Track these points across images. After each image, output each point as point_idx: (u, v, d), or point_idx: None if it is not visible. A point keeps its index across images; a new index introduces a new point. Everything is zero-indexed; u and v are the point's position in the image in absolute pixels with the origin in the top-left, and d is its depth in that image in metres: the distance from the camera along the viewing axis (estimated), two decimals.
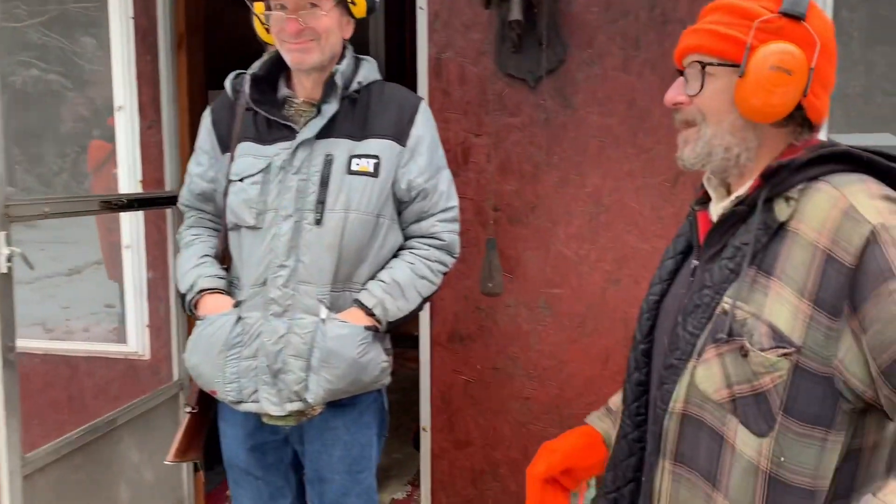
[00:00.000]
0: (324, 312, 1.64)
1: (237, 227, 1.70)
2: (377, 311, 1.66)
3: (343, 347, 1.62)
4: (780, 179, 1.03)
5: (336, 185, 1.65)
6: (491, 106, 2.37)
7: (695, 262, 1.15)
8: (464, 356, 2.47)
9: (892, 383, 0.91)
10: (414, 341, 2.47)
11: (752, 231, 1.03)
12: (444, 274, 1.80)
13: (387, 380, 1.77)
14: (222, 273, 1.75)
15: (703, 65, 1.06)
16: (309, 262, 1.64)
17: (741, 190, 1.10)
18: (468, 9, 2.37)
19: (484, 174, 2.40)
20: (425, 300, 1.76)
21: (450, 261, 1.80)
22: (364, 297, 1.67)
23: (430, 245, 1.76)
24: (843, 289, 0.93)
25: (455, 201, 1.81)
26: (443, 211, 1.78)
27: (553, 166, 2.36)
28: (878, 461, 0.99)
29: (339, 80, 1.66)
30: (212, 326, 1.66)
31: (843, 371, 0.94)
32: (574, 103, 2.33)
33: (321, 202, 1.64)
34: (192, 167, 1.82)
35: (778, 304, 0.98)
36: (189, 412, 1.80)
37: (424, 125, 1.75)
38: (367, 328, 1.65)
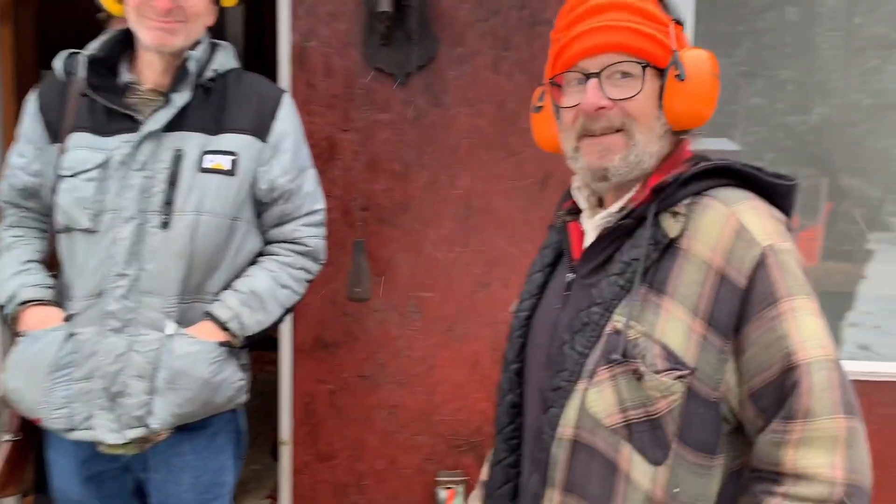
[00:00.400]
0: (170, 328, 1.46)
1: (69, 229, 1.48)
2: (232, 326, 1.51)
3: (193, 366, 1.45)
4: (668, 193, 1.00)
5: (187, 184, 1.48)
6: (359, 101, 2.25)
7: (570, 276, 1.10)
8: (329, 364, 2.34)
9: (758, 406, 0.91)
10: (274, 343, 2.30)
11: (643, 246, 0.99)
12: (309, 282, 1.67)
13: (243, 398, 1.61)
14: (50, 282, 1.53)
15: (644, 66, 1.00)
16: (154, 271, 1.45)
17: (621, 202, 1.06)
18: None
19: (351, 172, 2.28)
20: (287, 311, 1.62)
21: (315, 268, 1.67)
22: (218, 310, 1.51)
23: (293, 251, 1.63)
24: (735, 310, 0.91)
25: (322, 203, 1.69)
26: (308, 214, 1.64)
27: (423, 166, 2.28)
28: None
29: (192, 66, 1.49)
30: (37, 344, 1.44)
31: (728, 392, 0.92)
32: (445, 102, 2.26)
33: (168, 203, 1.47)
34: (14, 159, 1.58)
35: (671, 324, 0.94)
36: (8, 441, 1.56)
37: (288, 120, 1.61)
38: (221, 344, 1.49)
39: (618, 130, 1.02)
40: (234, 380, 1.53)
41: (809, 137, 2.96)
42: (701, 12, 2.38)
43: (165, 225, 1.46)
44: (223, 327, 1.50)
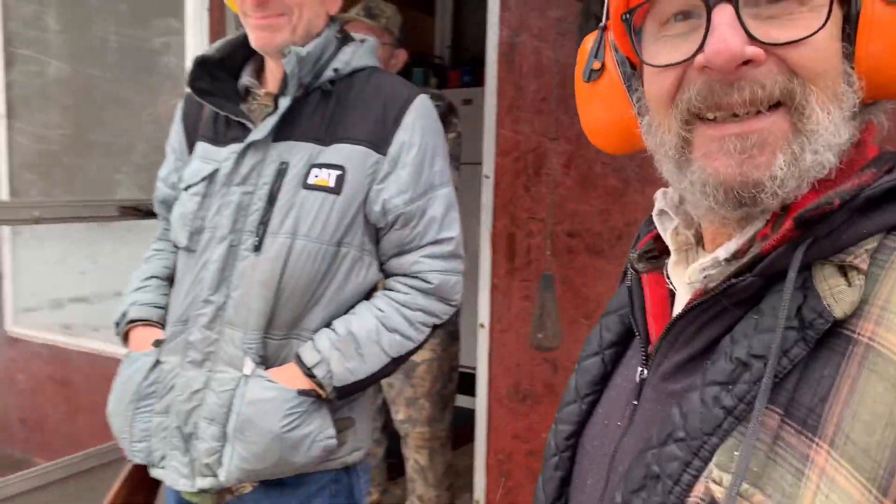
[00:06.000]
0: (248, 366, 1.25)
1: (177, 247, 1.38)
2: (318, 372, 1.25)
3: (262, 416, 1.22)
4: (831, 228, 0.51)
5: (285, 202, 1.26)
6: (572, 103, 1.84)
7: (642, 372, 0.62)
8: (527, 420, 1.97)
9: None
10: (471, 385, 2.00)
11: (775, 331, 0.50)
12: (432, 327, 1.34)
13: (350, 458, 1.35)
14: (163, 301, 1.44)
15: None
16: (237, 300, 1.27)
17: (737, 240, 0.58)
18: None
19: (559, 189, 1.87)
20: (397, 361, 1.32)
21: (441, 310, 1.34)
22: (305, 352, 1.26)
23: (411, 287, 1.32)
24: None
25: (454, 232, 1.34)
26: (433, 243, 1.32)
27: (648, 182, 1.77)
28: None
29: (291, 65, 1.27)
30: (128, 368, 1.35)
31: None
32: None
33: (264, 223, 1.27)
34: (161, 169, 1.54)
35: (830, 500, 0.45)
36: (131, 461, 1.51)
37: (415, 128, 1.31)
38: (302, 393, 1.25)
39: (775, 105, 0.53)
40: (320, 437, 1.27)
41: None
42: None
43: (257, 248, 1.26)
44: (308, 373, 1.25)
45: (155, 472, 1.32)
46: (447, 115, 2.25)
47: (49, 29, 3.32)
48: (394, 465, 2.61)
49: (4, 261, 3.12)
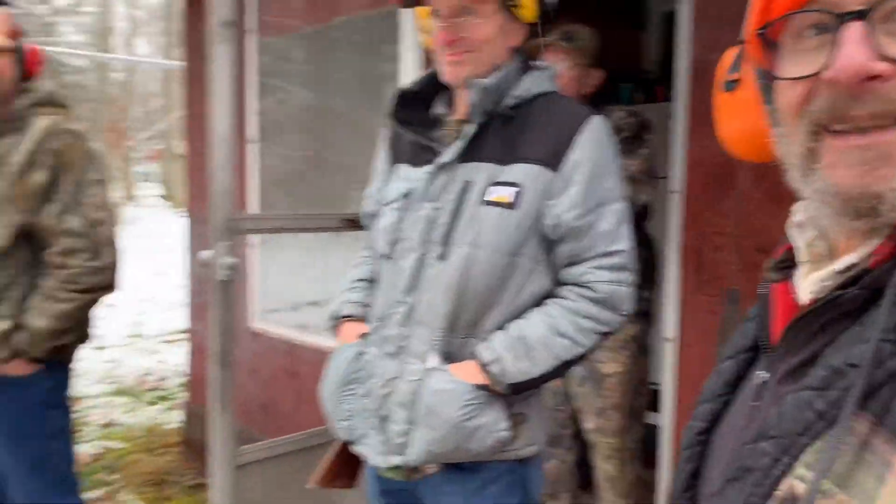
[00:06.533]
0: (432, 361, 1.42)
1: (377, 254, 1.59)
2: (493, 369, 1.38)
3: (443, 406, 1.38)
4: None
5: (468, 217, 1.42)
6: None
7: (762, 376, 0.67)
8: None
9: None
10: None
11: (872, 342, 0.53)
12: (601, 334, 1.42)
13: (523, 452, 1.46)
14: (368, 301, 1.66)
15: None
16: (426, 302, 1.44)
17: (857, 254, 0.60)
18: None
19: (748, 203, 1.84)
20: (566, 364, 1.41)
21: (609, 318, 1.41)
22: (481, 350, 1.41)
23: (581, 296, 1.41)
24: None
25: (623, 244, 1.41)
26: (602, 255, 1.40)
27: None
28: None
29: (475, 96, 1.43)
30: (339, 357, 1.58)
31: None
32: None
33: (449, 235, 1.44)
34: (369, 187, 1.77)
35: None
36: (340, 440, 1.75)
37: (587, 148, 1.40)
38: (478, 387, 1.39)
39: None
40: (495, 428, 1.40)
41: None
42: None
43: (442, 257, 1.43)
44: (484, 369, 1.39)
45: (356, 449, 1.54)
46: (640, 132, 2.29)
47: (295, 60, 3.82)
48: (585, 473, 2.66)
49: (253, 266, 3.63)
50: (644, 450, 2.41)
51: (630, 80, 3.93)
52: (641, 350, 2.37)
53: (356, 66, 3.33)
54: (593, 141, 1.41)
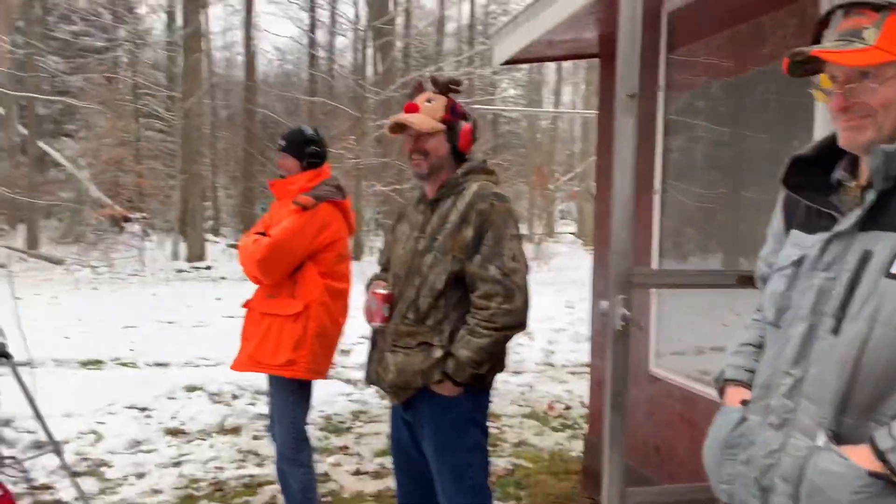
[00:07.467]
0: (821, 439, 1.35)
1: (765, 320, 1.57)
2: (892, 458, 1.27)
3: (831, 489, 1.30)
4: None
5: (866, 290, 1.34)
6: None
7: None
8: None
9: None
10: None
11: None
12: None
13: None
14: (754, 366, 1.63)
15: None
16: (815, 376, 1.38)
17: None
18: None
19: None
20: None
21: None
22: (880, 436, 1.30)
23: None
24: None
25: None
26: None
27: None
28: None
29: (876, 161, 1.34)
30: (722, 419, 1.59)
31: None
32: None
33: (843, 308, 1.37)
34: (763, 249, 1.75)
35: None
36: None
37: None
38: (872, 474, 1.28)
39: None
40: None
41: None
42: None
43: (835, 331, 1.37)
44: (881, 457, 1.28)
45: None
46: None
47: (699, 111, 3.82)
48: None
49: (652, 311, 3.73)
50: None
51: None
52: None
53: (769, 116, 3.23)
54: None
